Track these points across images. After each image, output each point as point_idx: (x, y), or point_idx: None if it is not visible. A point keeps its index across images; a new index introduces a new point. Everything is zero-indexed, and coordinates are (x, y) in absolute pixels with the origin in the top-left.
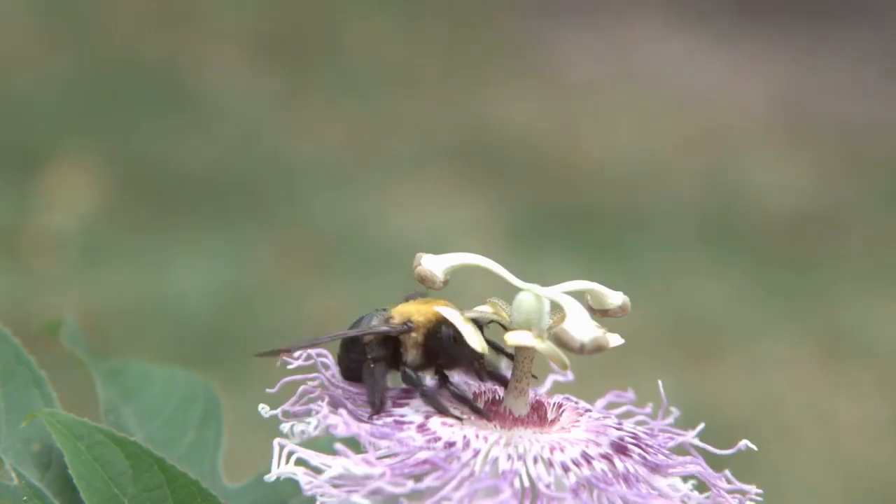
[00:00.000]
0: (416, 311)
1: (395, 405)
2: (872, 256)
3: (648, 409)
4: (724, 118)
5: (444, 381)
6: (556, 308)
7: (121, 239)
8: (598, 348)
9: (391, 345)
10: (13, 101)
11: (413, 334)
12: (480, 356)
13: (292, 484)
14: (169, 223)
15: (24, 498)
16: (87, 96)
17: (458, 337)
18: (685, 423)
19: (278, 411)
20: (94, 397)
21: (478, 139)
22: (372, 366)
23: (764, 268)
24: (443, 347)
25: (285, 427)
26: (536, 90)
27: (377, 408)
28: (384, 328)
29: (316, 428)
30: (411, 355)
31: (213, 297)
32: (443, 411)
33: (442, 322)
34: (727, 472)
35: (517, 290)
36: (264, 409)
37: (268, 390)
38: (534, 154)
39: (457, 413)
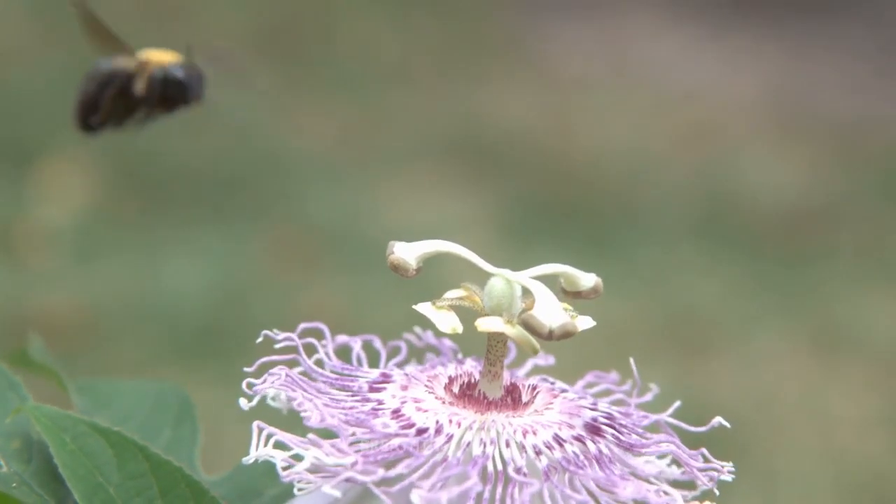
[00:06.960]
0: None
1: (372, 390)
2: (865, 251)
3: (627, 387)
4: (717, 113)
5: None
6: (527, 292)
7: (114, 234)
8: (566, 334)
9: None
10: (6, 95)
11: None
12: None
13: (270, 475)
14: (163, 218)
15: (14, 485)
16: None
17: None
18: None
19: (254, 399)
20: (69, 404)
21: (472, 134)
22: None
23: (757, 263)
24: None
25: (269, 392)
26: (530, 85)
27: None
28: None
29: (297, 403)
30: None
31: (206, 291)
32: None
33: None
34: (704, 450)
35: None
36: (244, 403)
37: (245, 368)
38: (528, 149)
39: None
